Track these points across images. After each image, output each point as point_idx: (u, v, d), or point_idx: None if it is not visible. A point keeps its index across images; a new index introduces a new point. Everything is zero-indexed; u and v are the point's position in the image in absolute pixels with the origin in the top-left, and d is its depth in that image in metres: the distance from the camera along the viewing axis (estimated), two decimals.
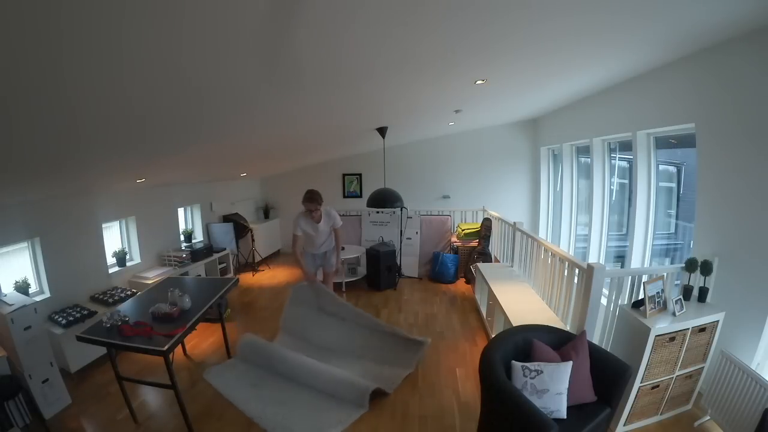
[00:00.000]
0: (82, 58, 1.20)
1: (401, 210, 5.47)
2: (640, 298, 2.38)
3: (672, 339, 2.23)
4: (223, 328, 3.55)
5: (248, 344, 3.36)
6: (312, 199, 3.57)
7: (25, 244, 3.17)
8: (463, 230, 5.73)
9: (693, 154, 2.76)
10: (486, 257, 5.12)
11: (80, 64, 1.23)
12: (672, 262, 3.52)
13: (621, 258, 4.13)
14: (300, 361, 3.14)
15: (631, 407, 2.30)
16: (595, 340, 2.45)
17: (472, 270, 4.94)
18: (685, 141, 3.09)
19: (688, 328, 2.25)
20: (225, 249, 5.57)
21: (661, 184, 3.47)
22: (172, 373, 2.31)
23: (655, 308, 2.30)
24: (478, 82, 2.85)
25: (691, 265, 2.46)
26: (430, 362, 3.28)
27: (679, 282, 2.61)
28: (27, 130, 1.63)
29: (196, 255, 4.83)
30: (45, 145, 1.89)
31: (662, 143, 3.36)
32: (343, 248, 5.41)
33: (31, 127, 1.61)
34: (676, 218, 3.51)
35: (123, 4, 0.99)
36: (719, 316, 2.32)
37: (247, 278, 5.82)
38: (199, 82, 1.71)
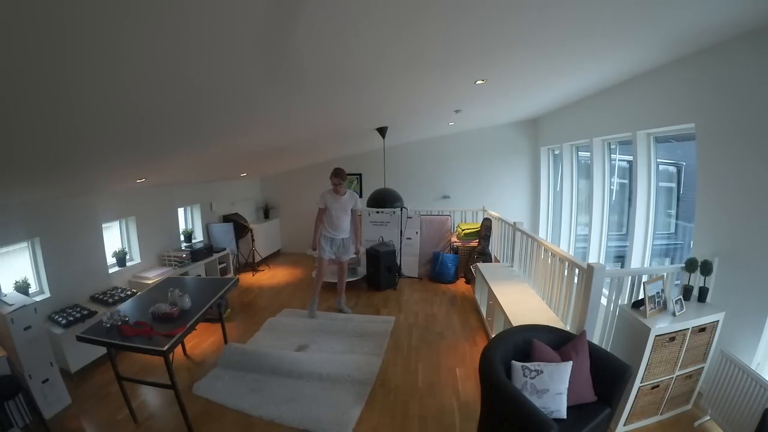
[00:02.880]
0: (83, 59, 1.20)
1: (401, 210, 5.47)
2: (640, 298, 2.38)
3: (672, 339, 2.22)
4: (223, 328, 3.55)
5: (235, 352, 3.34)
6: (338, 174, 3.98)
7: (25, 244, 3.16)
8: (463, 230, 5.72)
9: (692, 147, 2.75)
10: (486, 257, 5.11)
11: (82, 64, 1.23)
12: (672, 262, 3.52)
13: (621, 258, 4.13)
14: (303, 356, 3.24)
15: (631, 407, 2.30)
16: (595, 340, 2.45)
17: (472, 270, 4.94)
18: (684, 136, 3.08)
19: (688, 328, 2.25)
20: (225, 249, 5.57)
21: (661, 184, 3.47)
22: (172, 373, 2.31)
23: (655, 308, 2.30)
24: (478, 82, 2.85)
25: (691, 265, 2.46)
26: (430, 362, 3.28)
27: (679, 282, 2.61)
28: (29, 131, 1.63)
29: (196, 255, 4.82)
30: (47, 146, 1.89)
31: (662, 138, 3.36)
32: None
33: (32, 128, 1.61)
34: (676, 218, 3.51)
35: (124, 4, 0.99)
36: (719, 316, 2.32)
37: (247, 278, 5.82)
38: (200, 82, 1.71)
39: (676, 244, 3.56)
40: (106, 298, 3.50)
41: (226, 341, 3.52)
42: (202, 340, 3.75)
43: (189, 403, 2.54)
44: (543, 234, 6.12)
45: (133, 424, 2.53)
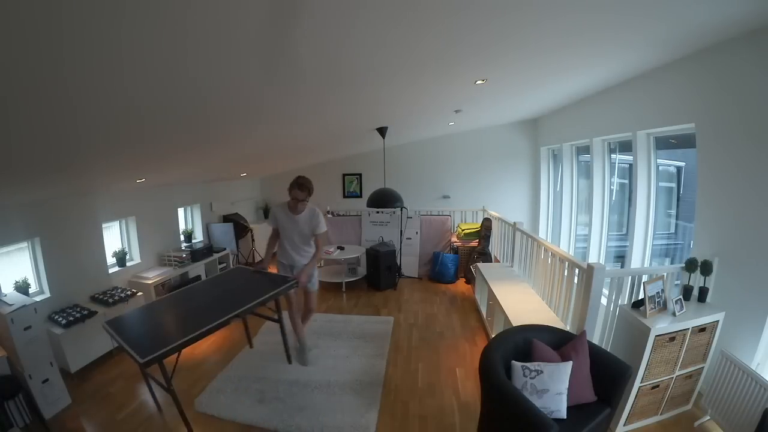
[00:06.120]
0: (84, 59, 1.20)
1: (401, 210, 5.47)
2: (640, 298, 2.38)
3: (672, 339, 2.22)
4: (247, 332, 3.58)
5: (243, 363, 3.30)
6: (302, 186, 2.92)
7: (25, 244, 3.17)
8: (463, 230, 5.73)
9: (693, 154, 2.75)
10: (486, 257, 5.11)
11: (83, 65, 1.22)
12: (672, 262, 3.51)
13: (621, 258, 4.13)
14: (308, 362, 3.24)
15: (631, 407, 2.30)
16: (595, 340, 2.45)
17: (472, 270, 4.94)
18: (685, 141, 3.09)
19: (688, 328, 2.25)
20: (225, 249, 5.56)
21: (661, 184, 3.47)
22: (167, 375, 2.29)
23: (655, 308, 2.30)
24: (478, 82, 2.85)
25: (691, 265, 2.46)
26: (430, 362, 3.28)
27: (679, 282, 2.61)
28: (30, 132, 1.63)
29: (196, 255, 4.82)
30: (48, 146, 1.89)
31: (662, 143, 3.36)
32: (343, 247, 5.43)
33: (34, 128, 1.61)
34: (676, 218, 3.50)
35: (125, 3, 0.99)
36: (719, 316, 2.32)
37: None
38: (200, 82, 1.71)
39: (676, 244, 3.55)
40: (106, 298, 3.50)
41: (251, 344, 3.57)
42: (201, 340, 3.73)
43: (193, 422, 2.43)
44: (543, 234, 6.12)
45: (133, 423, 2.53)
